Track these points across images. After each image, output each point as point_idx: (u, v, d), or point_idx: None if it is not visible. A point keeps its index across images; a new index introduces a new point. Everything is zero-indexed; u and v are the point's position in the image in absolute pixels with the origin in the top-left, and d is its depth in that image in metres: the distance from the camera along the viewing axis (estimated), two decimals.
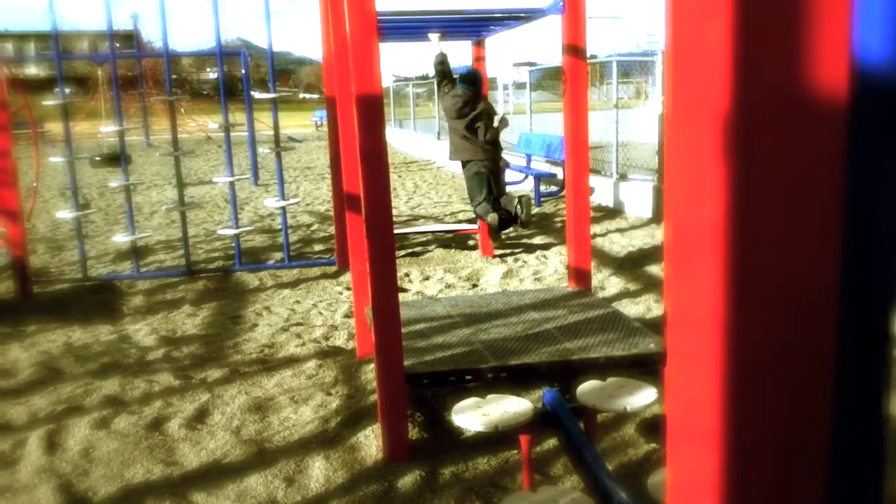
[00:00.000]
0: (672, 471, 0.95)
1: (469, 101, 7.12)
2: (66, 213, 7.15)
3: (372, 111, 3.22)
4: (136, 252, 7.06)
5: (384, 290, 3.27)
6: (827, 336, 0.82)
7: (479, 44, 7.20)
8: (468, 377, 3.48)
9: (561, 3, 4.57)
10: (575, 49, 4.63)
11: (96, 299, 6.21)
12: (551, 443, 3.32)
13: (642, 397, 3.01)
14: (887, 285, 0.82)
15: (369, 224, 3.26)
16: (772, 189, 0.78)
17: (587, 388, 3.11)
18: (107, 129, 7.34)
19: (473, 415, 2.93)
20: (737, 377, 0.82)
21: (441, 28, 6.31)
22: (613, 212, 9.52)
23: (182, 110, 27.24)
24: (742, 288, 0.80)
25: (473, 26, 6.27)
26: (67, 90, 6.95)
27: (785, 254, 0.80)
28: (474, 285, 6.33)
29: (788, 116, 0.76)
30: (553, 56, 14.57)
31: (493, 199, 7.28)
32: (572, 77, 4.64)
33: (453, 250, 7.63)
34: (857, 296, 0.81)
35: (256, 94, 7.63)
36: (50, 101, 6.93)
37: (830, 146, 0.78)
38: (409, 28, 6.12)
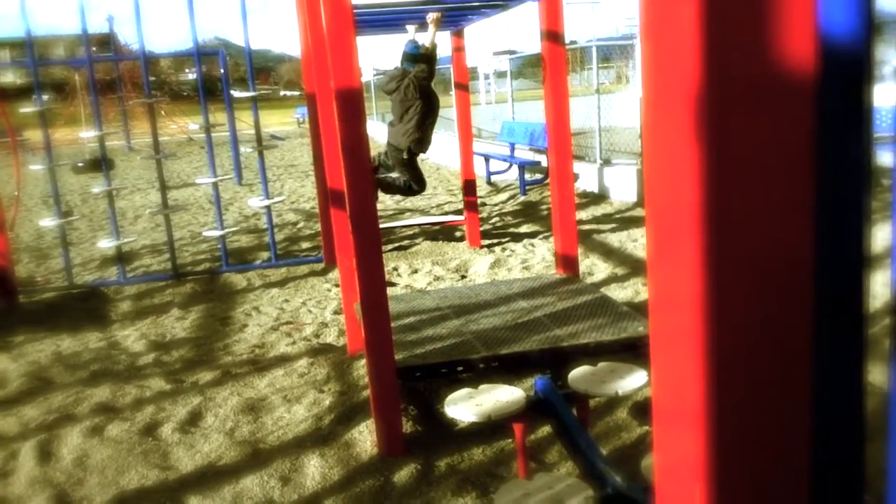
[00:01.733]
0: (659, 453, 0.96)
1: (396, 77, 6.83)
2: (49, 221, 7.10)
3: (351, 105, 3.21)
4: (122, 257, 7.01)
5: (372, 285, 3.27)
6: (805, 310, 0.83)
7: (457, 34, 7.18)
8: (460, 368, 3.49)
9: None
10: (553, 35, 4.62)
11: (84, 307, 6.17)
12: (545, 430, 3.34)
13: (633, 380, 3.03)
14: (858, 255, 0.83)
15: (354, 219, 3.26)
16: (745, 165, 0.78)
17: (578, 373, 3.13)
18: (87, 135, 7.28)
19: (466, 405, 2.94)
20: (718, 356, 0.83)
21: (418, 20, 6.28)
22: (598, 197, 9.54)
23: (162, 112, 27.05)
24: (719, 266, 0.80)
25: (451, 16, 6.24)
26: (45, 97, 6.88)
27: (760, 229, 0.80)
28: (463, 276, 6.33)
29: (759, 93, 0.77)
30: (532, 44, 14.55)
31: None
32: (552, 63, 4.64)
33: (441, 242, 7.63)
34: (830, 268, 0.82)
35: (236, 94, 7.57)
36: (28, 109, 6.86)
37: (800, 120, 0.78)
38: (387, 20, 6.09)
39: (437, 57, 6.64)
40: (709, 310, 0.82)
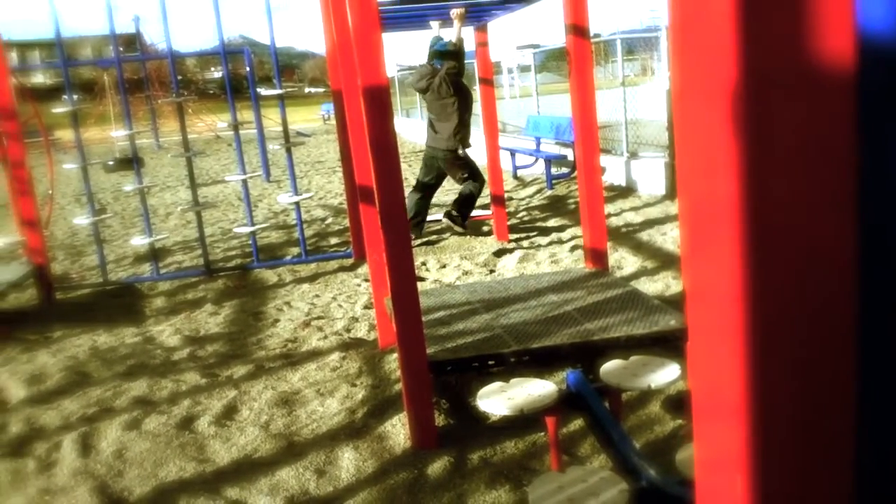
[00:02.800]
0: (699, 446, 0.97)
1: (426, 76, 6.91)
2: (83, 220, 7.22)
3: (379, 102, 3.24)
4: (155, 254, 7.12)
5: (402, 279, 3.30)
6: (847, 303, 0.84)
7: (481, 29, 7.18)
8: (491, 362, 3.51)
9: None
10: (578, 28, 4.62)
11: (118, 303, 6.28)
12: (577, 424, 3.35)
13: (666, 374, 3.03)
14: None
15: (383, 214, 3.28)
16: (784, 159, 0.79)
17: (610, 367, 3.13)
18: (117, 134, 7.39)
19: (498, 399, 2.96)
20: (759, 350, 0.84)
21: (442, 16, 6.29)
22: (626, 190, 9.50)
23: (190, 111, 27.32)
24: (760, 260, 0.81)
25: (475, 11, 6.25)
26: (75, 97, 7.00)
27: (801, 223, 0.81)
28: (491, 271, 6.34)
29: (797, 86, 0.77)
30: (556, 37, 14.48)
31: (420, 200, 7.15)
32: (577, 57, 4.63)
33: (468, 237, 7.65)
34: (874, 262, 0.83)
35: (263, 91, 7.62)
36: (59, 109, 6.98)
37: (840, 114, 0.79)
38: (411, 17, 6.11)
39: (465, 52, 6.67)
40: (749, 303, 0.83)
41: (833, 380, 0.87)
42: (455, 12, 5.97)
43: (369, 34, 3.19)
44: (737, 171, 0.82)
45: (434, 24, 6.51)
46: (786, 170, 0.81)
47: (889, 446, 0.89)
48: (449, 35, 6.52)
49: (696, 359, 0.98)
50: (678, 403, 3.50)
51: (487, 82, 7.44)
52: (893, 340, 0.86)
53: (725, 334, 0.89)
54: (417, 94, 22.78)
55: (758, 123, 0.80)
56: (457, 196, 7.30)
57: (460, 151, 6.81)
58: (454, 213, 7.21)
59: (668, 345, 3.62)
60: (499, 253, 6.81)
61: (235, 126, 7.24)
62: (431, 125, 6.95)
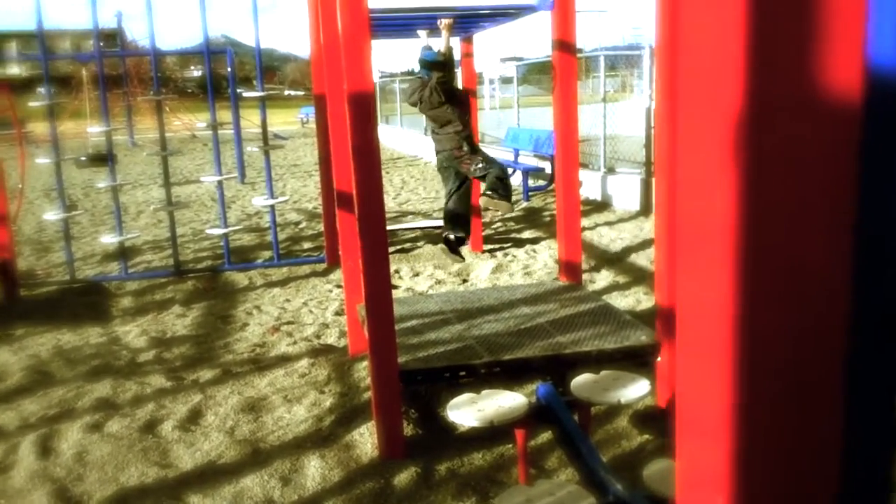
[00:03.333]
0: (680, 462, 0.96)
1: (417, 89, 6.90)
2: (53, 215, 7.09)
3: (364, 108, 3.21)
4: (124, 253, 7.01)
5: (377, 287, 3.27)
6: (838, 326, 0.83)
7: (467, 40, 7.20)
8: (462, 373, 3.49)
9: (551, 0, 4.57)
10: (565, 45, 4.64)
11: (85, 301, 6.17)
12: (545, 436, 3.33)
13: (636, 389, 3.03)
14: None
15: (362, 220, 3.25)
16: (783, 183, 0.78)
17: (581, 381, 3.13)
18: (94, 130, 7.29)
19: (468, 410, 2.94)
20: (747, 367, 0.82)
21: (429, 25, 6.28)
22: (601, 205, 9.55)
23: (167, 109, 27.06)
24: (754, 279, 0.80)
25: (462, 23, 6.25)
26: (52, 90, 6.89)
27: (796, 244, 0.80)
28: (464, 281, 6.33)
29: (801, 114, 0.77)
30: (537, 50, 14.57)
31: (453, 201, 7.06)
32: (562, 72, 4.65)
33: (442, 246, 7.61)
34: (869, 287, 0.82)
35: (246, 94, 7.59)
36: (36, 103, 6.87)
37: (843, 143, 0.78)
38: (399, 25, 6.10)
39: (454, 61, 6.66)
40: (740, 322, 0.82)
41: (821, 399, 0.87)
42: (443, 22, 5.96)
43: (358, 40, 3.16)
44: (734, 191, 0.81)
45: (422, 32, 6.50)
46: (783, 194, 0.81)
47: (873, 470, 0.88)
48: (437, 45, 6.51)
49: (683, 374, 0.97)
50: (646, 419, 3.50)
51: (471, 93, 7.44)
52: (883, 361, 0.86)
53: (714, 351, 0.88)
54: (398, 100, 22.78)
55: (757, 147, 0.79)
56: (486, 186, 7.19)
57: (464, 147, 6.79)
58: (492, 192, 7.10)
59: (639, 360, 3.63)
60: (472, 263, 6.79)
61: (214, 126, 7.17)
62: (434, 134, 6.93)
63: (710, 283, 0.84)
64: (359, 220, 3.27)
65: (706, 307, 0.86)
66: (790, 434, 0.84)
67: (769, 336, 0.82)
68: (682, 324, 0.91)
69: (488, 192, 7.01)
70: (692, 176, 0.85)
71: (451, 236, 6.81)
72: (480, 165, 6.93)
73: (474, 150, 6.99)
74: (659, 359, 3.51)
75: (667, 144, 3.34)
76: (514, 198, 7.97)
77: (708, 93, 0.81)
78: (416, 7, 5.85)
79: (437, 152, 7.00)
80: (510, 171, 11.13)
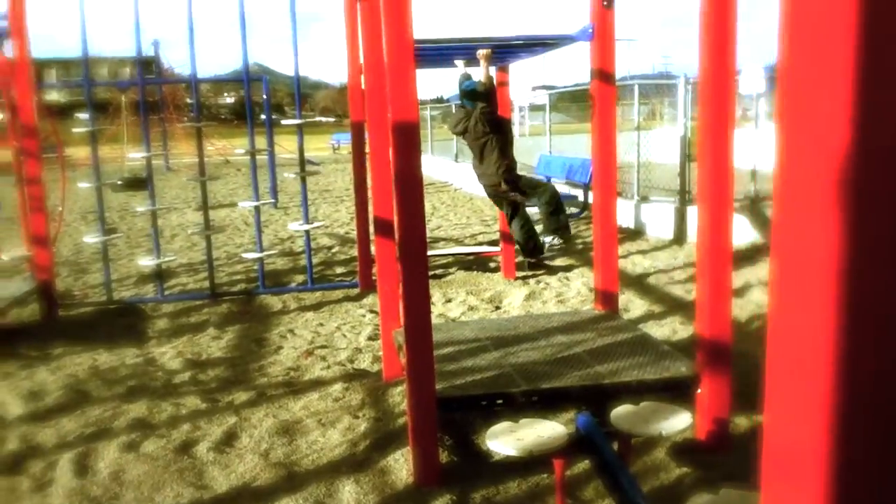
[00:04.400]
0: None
1: (462, 119, 7.04)
2: (92, 238, 7.20)
3: (409, 137, 3.23)
4: (161, 275, 7.09)
5: (417, 313, 3.26)
6: None
7: (502, 69, 7.24)
8: (499, 401, 3.45)
9: (590, 31, 4.58)
10: (604, 74, 4.64)
11: (121, 322, 6.23)
12: (581, 466, 3.28)
13: (677, 421, 2.98)
14: None
15: (403, 247, 3.26)
16: (887, 226, 0.76)
17: (621, 412, 3.08)
18: (135, 155, 7.46)
19: (508, 439, 2.91)
20: (846, 410, 0.80)
21: (466, 55, 6.34)
22: (635, 233, 9.48)
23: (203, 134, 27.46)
24: (856, 322, 0.78)
25: (498, 53, 6.29)
26: (88, 116, 7.05)
27: None
28: (497, 307, 6.30)
29: None
30: (567, 78, 14.63)
31: (517, 225, 7.20)
32: (601, 101, 4.64)
33: (475, 272, 7.62)
34: None
35: (284, 120, 7.72)
36: (78, 129, 7.02)
37: None
38: (437, 54, 6.15)
39: (495, 90, 6.74)
40: (840, 363, 0.79)
41: None
42: (481, 53, 6.03)
43: (404, 70, 3.18)
44: (839, 232, 0.79)
45: (459, 62, 6.57)
46: (888, 234, 0.78)
47: None
48: (477, 75, 6.61)
49: (773, 415, 0.93)
50: (685, 451, 3.44)
51: (504, 120, 7.48)
52: None
53: (811, 392, 0.85)
54: (428, 127, 22.94)
55: (862, 193, 0.77)
56: (542, 219, 7.39)
57: (503, 186, 6.93)
58: (554, 234, 7.30)
59: (678, 391, 3.57)
60: (505, 290, 6.77)
61: (253, 153, 7.28)
62: (477, 165, 7.05)
63: (810, 323, 0.82)
64: (400, 246, 3.27)
65: (804, 349, 0.83)
66: (888, 479, 0.81)
67: (869, 377, 0.79)
68: (775, 365, 0.88)
69: (550, 238, 7.19)
70: (793, 217, 0.83)
71: (530, 260, 7.04)
72: (520, 197, 7.00)
73: (515, 182, 7.06)
74: (699, 391, 3.45)
75: (709, 174, 3.31)
76: (541, 226, 7.99)
77: (813, 135, 0.79)
78: (457, 38, 5.91)
79: (483, 185, 7.18)
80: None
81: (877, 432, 0.81)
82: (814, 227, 0.80)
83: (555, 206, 7.31)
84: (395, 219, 3.27)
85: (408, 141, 3.21)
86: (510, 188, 7.04)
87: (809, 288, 0.81)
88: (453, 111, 7.24)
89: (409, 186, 3.22)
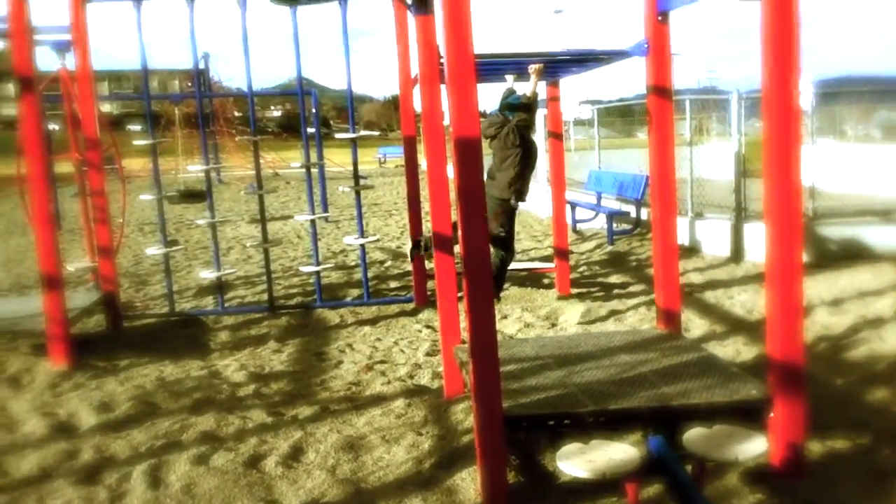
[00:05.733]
0: None
1: (496, 125, 6.76)
2: (154, 250, 7.37)
3: (472, 152, 3.25)
4: (221, 287, 7.22)
5: (483, 330, 3.26)
6: None
7: (554, 84, 7.25)
8: (566, 421, 3.44)
9: (646, 46, 4.57)
10: (660, 89, 4.62)
11: (183, 334, 6.36)
12: (652, 490, 3.24)
13: (753, 446, 2.94)
14: None
15: (468, 262, 3.26)
16: None
17: (694, 435, 3.05)
18: (193, 168, 7.65)
19: (579, 461, 2.89)
20: None
21: (517, 70, 6.36)
22: (690, 251, 9.36)
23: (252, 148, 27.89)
24: None
25: (550, 68, 6.30)
26: (140, 128, 7.25)
27: None
28: (553, 325, 6.28)
29: None
30: (609, 93, 14.52)
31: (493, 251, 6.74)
32: (657, 117, 4.62)
33: (529, 288, 7.60)
34: None
35: (338, 134, 7.88)
36: (140, 141, 7.21)
37: None
38: (490, 69, 6.18)
39: (538, 106, 6.69)
40: None
41: None
42: (533, 67, 6.03)
43: (466, 85, 3.21)
44: None
45: (509, 77, 6.59)
46: None
47: None
48: (524, 88, 6.57)
49: None
50: (758, 476, 3.37)
51: (557, 136, 7.48)
52: None
53: None
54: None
55: None
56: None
57: (512, 202, 6.75)
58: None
59: (750, 415, 3.50)
60: (560, 307, 6.74)
61: (307, 166, 7.39)
62: (490, 173, 6.88)
63: None
64: (465, 261, 3.28)
65: None
66: None
67: None
68: None
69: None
70: None
71: None
72: (499, 236, 6.67)
73: (512, 215, 6.78)
74: (772, 414, 3.39)
75: (778, 190, 3.27)
76: (593, 242, 7.87)
77: None
78: (511, 52, 5.94)
79: (490, 196, 6.86)
80: (593, 214, 11.08)
81: None
82: None
83: (499, 269, 6.86)
84: (460, 234, 3.29)
85: (471, 156, 3.23)
86: (508, 217, 6.76)
87: None
88: (488, 115, 7.17)
89: (473, 202, 3.24)
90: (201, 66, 31.10)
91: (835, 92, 12.51)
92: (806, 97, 8.99)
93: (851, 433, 3.77)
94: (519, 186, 6.70)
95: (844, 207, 9.05)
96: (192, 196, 13.49)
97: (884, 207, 8.80)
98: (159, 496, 3.44)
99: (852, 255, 8.18)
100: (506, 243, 6.82)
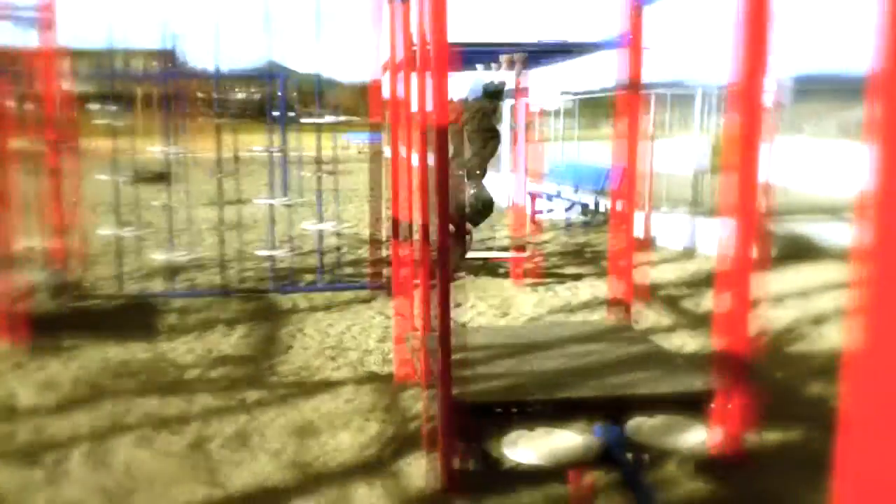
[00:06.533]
0: None
1: (471, 108, 6.87)
2: (109, 231, 7.21)
3: (441, 141, 3.23)
4: (174, 270, 7.10)
5: (445, 318, 3.27)
6: None
7: (524, 75, 7.25)
8: (514, 409, 3.45)
9: (620, 38, 4.59)
10: (633, 83, 4.63)
11: (133, 316, 6.25)
12: (601, 477, 3.27)
13: (695, 436, 2.98)
14: None
15: (429, 252, 3.26)
16: None
17: (639, 424, 3.09)
18: (155, 149, 7.49)
19: (526, 448, 2.91)
20: None
21: (490, 59, 6.36)
22: (645, 244, 9.46)
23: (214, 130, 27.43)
24: None
25: (526, 59, 6.30)
26: (114, 108, 7.09)
27: None
28: (506, 313, 6.30)
29: None
30: (576, 86, 14.59)
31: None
32: (627, 110, 4.64)
33: (483, 278, 7.62)
34: None
35: (306, 119, 7.79)
36: (102, 120, 7.05)
37: None
38: (467, 58, 6.16)
39: (504, 94, 6.71)
40: None
41: None
42: (514, 57, 6.05)
43: (441, 75, 3.18)
44: None
45: (481, 66, 6.59)
46: None
47: None
48: (494, 77, 6.60)
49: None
50: (699, 465, 3.43)
51: (524, 127, 7.50)
52: None
53: None
54: None
55: None
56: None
57: (473, 174, 6.75)
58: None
59: (694, 406, 3.55)
60: (514, 296, 6.77)
61: (272, 149, 7.32)
62: (451, 157, 6.88)
63: None
64: (426, 252, 3.28)
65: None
66: None
67: None
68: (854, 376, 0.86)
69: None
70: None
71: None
72: (472, 192, 6.69)
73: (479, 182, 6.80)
74: (715, 405, 3.44)
75: (736, 187, 3.31)
76: (553, 233, 7.92)
77: None
78: (493, 42, 5.92)
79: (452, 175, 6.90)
80: (552, 205, 11.14)
81: None
82: None
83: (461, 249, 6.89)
84: (434, 222, 3.27)
85: (440, 145, 3.22)
86: (478, 181, 6.77)
87: None
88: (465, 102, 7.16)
89: (441, 191, 3.23)
90: (167, 45, 30.53)
91: (802, 89, 12.69)
92: (777, 93, 9.12)
93: (790, 424, 3.85)
94: (476, 166, 6.73)
95: (797, 204, 9.22)
96: (153, 178, 13.18)
97: (834, 205, 8.98)
98: (100, 478, 3.37)
99: (804, 251, 8.34)
100: (458, 238, 6.87)
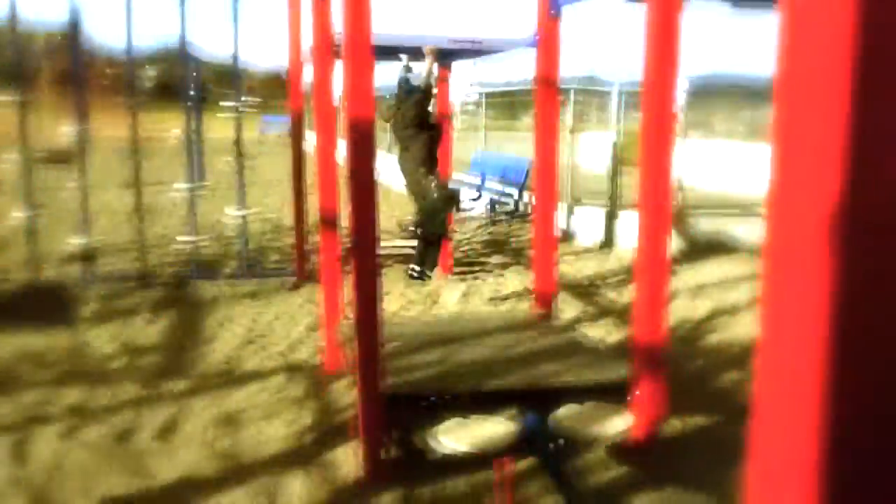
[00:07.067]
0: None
1: (393, 107, 6.96)
2: (19, 214, 6.93)
3: (365, 133, 3.28)
4: (90, 256, 6.89)
5: (369, 307, 3.32)
6: None
7: (445, 67, 7.32)
8: (443, 399, 3.54)
9: (534, 38, 4.72)
10: (548, 79, 4.77)
11: (49, 304, 6.05)
12: (525, 464, 3.40)
13: (618, 422, 3.14)
14: None
15: (357, 243, 3.30)
16: (876, 286, 0.84)
17: (563, 412, 3.23)
18: (64, 130, 7.20)
19: (456, 436, 3.01)
20: (836, 426, 0.87)
21: (411, 51, 6.40)
22: (564, 237, 9.71)
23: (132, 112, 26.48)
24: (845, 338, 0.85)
25: (446, 52, 6.38)
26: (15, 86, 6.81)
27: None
28: (434, 303, 6.39)
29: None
30: (497, 78, 14.81)
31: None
32: (544, 107, 4.78)
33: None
34: None
35: (224, 103, 7.62)
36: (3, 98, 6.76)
37: None
38: (386, 48, 6.19)
39: (434, 86, 6.76)
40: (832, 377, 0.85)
41: None
42: (429, 48, 6.10)
43: (363, 67, 3.22)
44: (828, 272, 0.86)
45: (404, 56, 6.62)
46: (876, 297, 0.86)
47: None
48: (419, 69, 6.64)
49: (759, 443, 0.97)
50: (623, 450, 3.60)
51: (445, 117, 7.56)
52: None
53: (801, 404, 0.90)
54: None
55: (854, 247, 0.83)
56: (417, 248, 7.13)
57: (423, 181, 6.84)
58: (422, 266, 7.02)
59: (616, 394, 3.72)
60: (441, 286, 6.87)
61: (198, 133, 7.16)
62: (400, 156, 6.97)
63: (798, 362, 0.88)
64: (354, 241, 3.31)
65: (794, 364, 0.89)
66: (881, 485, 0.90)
67: (858, 389, 0.86)
68: (764, 367, 0.94)
69: (411, 269, 6.90)
70: (786, 236, 0.89)
71: (414, 268, 6.86)
72: (433, 189, 6.83)
73: (428, 175, 6.94)
74: (636, 392, 3.62)
75: (650, 183, 3.47)
76: (476, 223, 8.03)
77: (803, 185, 0.85)
78: (408, 34, 5.96)
79: (404, 177, 7.01)
80: (476, 195, 11.27)
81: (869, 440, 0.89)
82: (806, 246, 0.87)
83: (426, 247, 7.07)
84: (349, 213, 3.31)
85: (364, 136, 3.26)
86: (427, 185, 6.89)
87: (799, 305, 0.88)
88: (386, 98, 7.22)
89: (364, 182, 3.28)
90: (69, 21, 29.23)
91: (705, 90, 13.18)
92: (680, 93, 9.47)
93: (705, 411, 4.08)
94: (429, 166, 6.80)
95: (710, 200, 9.62)
96: (59, 159, 12.67)
97: (744, 202, 9.41)
98: (24, 471, 3.29)
99: (715, 247, 8.72)
100: (431, 220, 6.94)
